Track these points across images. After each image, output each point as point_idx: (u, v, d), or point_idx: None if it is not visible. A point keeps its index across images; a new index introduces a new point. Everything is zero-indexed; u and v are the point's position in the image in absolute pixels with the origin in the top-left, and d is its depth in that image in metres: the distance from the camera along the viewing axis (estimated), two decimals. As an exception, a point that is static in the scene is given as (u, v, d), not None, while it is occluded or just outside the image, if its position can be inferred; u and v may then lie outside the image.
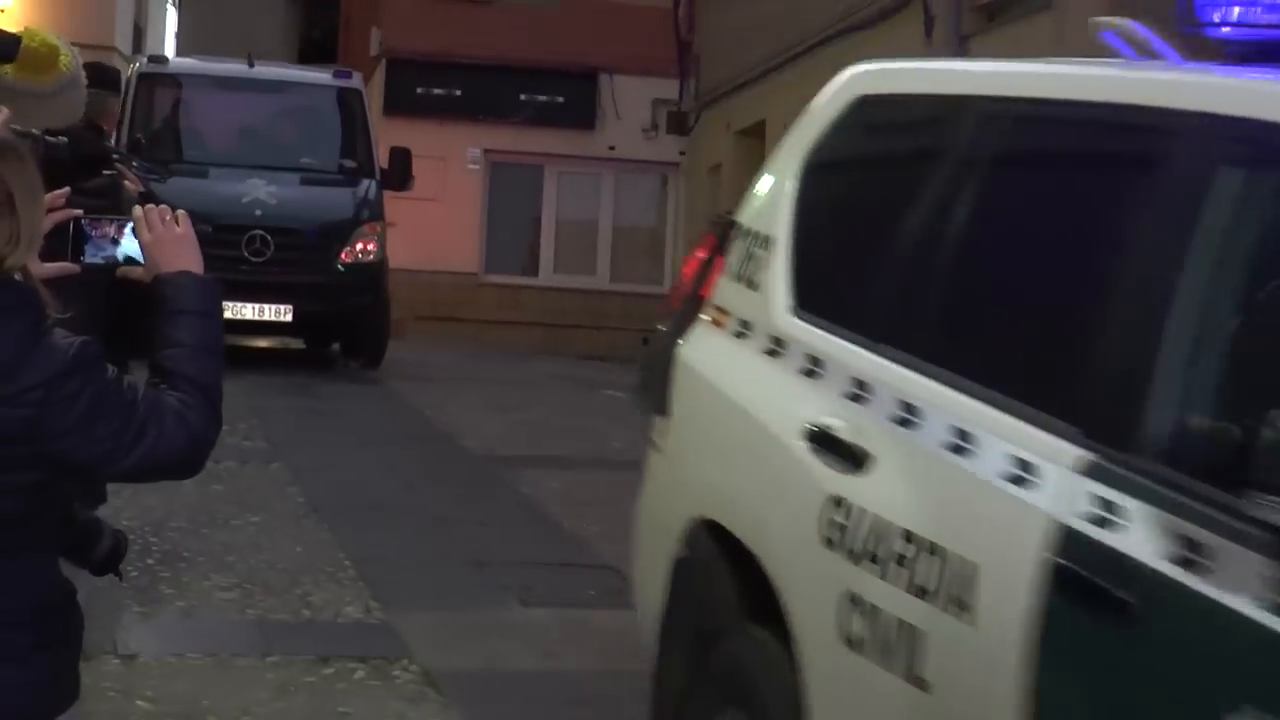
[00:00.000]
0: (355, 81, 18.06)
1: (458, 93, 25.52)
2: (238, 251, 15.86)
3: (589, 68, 26.03)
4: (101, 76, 8.25)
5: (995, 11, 18.49)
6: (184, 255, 3.03)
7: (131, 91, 16.53)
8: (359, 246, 16.87)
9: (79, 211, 3.13)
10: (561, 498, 10.37)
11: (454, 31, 24.96)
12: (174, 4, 38.72)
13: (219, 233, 14.12)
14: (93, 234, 3.11)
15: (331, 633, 7.28)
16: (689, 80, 26.77)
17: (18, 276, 2.83)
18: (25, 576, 2.91)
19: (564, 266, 26.81)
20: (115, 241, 3.11)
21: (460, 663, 6.79)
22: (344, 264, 16.73)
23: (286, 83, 18.24)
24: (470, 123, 25.41)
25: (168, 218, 3.05)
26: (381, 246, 17.15)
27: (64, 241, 3.09)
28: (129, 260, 3.10)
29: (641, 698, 4.81)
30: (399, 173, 17.56)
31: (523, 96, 25.32)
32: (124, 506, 8.90)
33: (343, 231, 16.86)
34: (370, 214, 17.17)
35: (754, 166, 28.05)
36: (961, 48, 18.49)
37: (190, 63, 18.86)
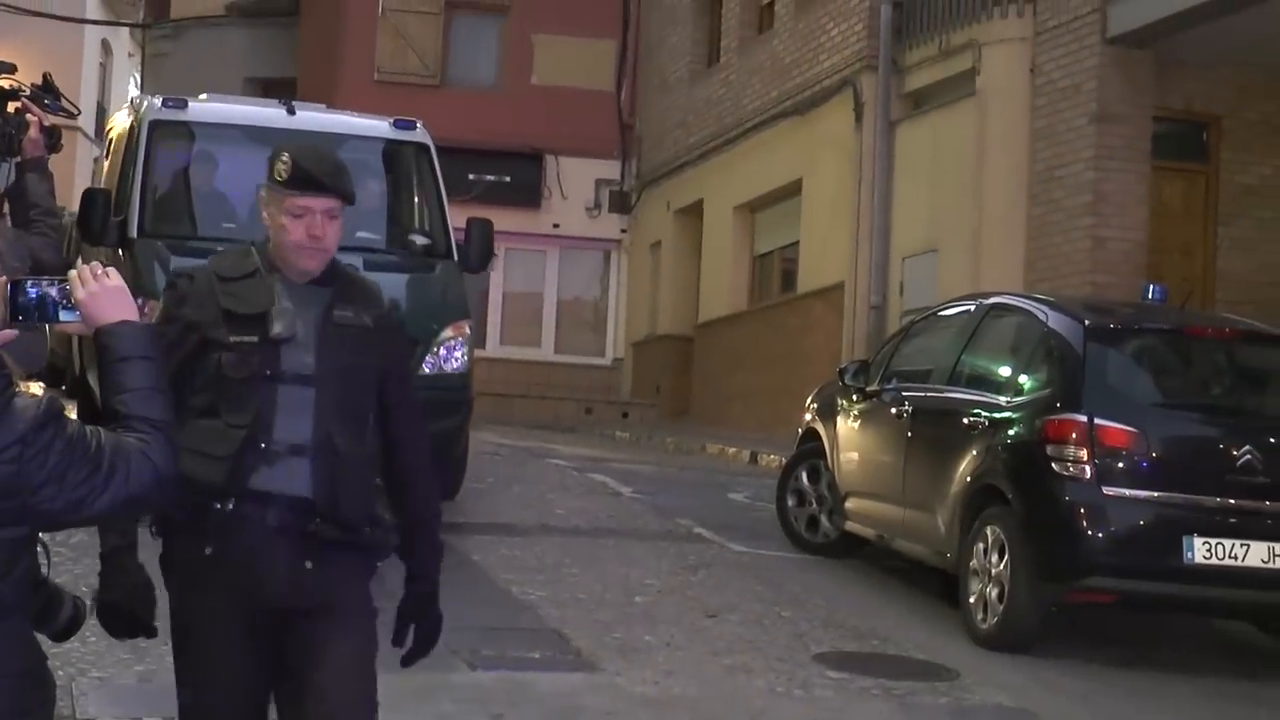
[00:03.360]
0: (421, 134, 12.88)
1: (408, 172, 25.44)
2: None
3: (535, 149, 26.14)
4: None
5: (921, 99, 18.70)
6: (120, 306, 3.12)
7: (141, 146, 11.96)
8: (444, 354, 11.74)
9: (6, 280, 3.15)
10: (508, 564, 10.32)
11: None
12: (136, 85, 38.60)
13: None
14: (30, 294, 3.11)
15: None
16: (630, 161, 26.95)
17: None
18: (12, 638, 2.95)
19: (510, 339, 26.82)
20: (50, 301, 3.12)
21: (409, 725, 6.73)
22: (425, 378, 11.20)
23: (337, 135, 12.57)
24: (421, 201, 25.37)
25: (99, 273, 3.13)
26: (470, 352, 11.94)
27: None
28: (66, 319, 3.13)
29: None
30: (479, 250, 12.40)
31: (471, 176, 25.29)
32: (84, 574, 8.80)
33: (423, 335, 11.40)
34: (456, 309, 11.83)
35: (693, 243, 28.30)
36: (890, 132, 18.66)
37: (215, 108, 12.94)
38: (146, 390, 3.05)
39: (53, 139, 6.57)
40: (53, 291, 3.11)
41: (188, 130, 12.36)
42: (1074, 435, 8.61)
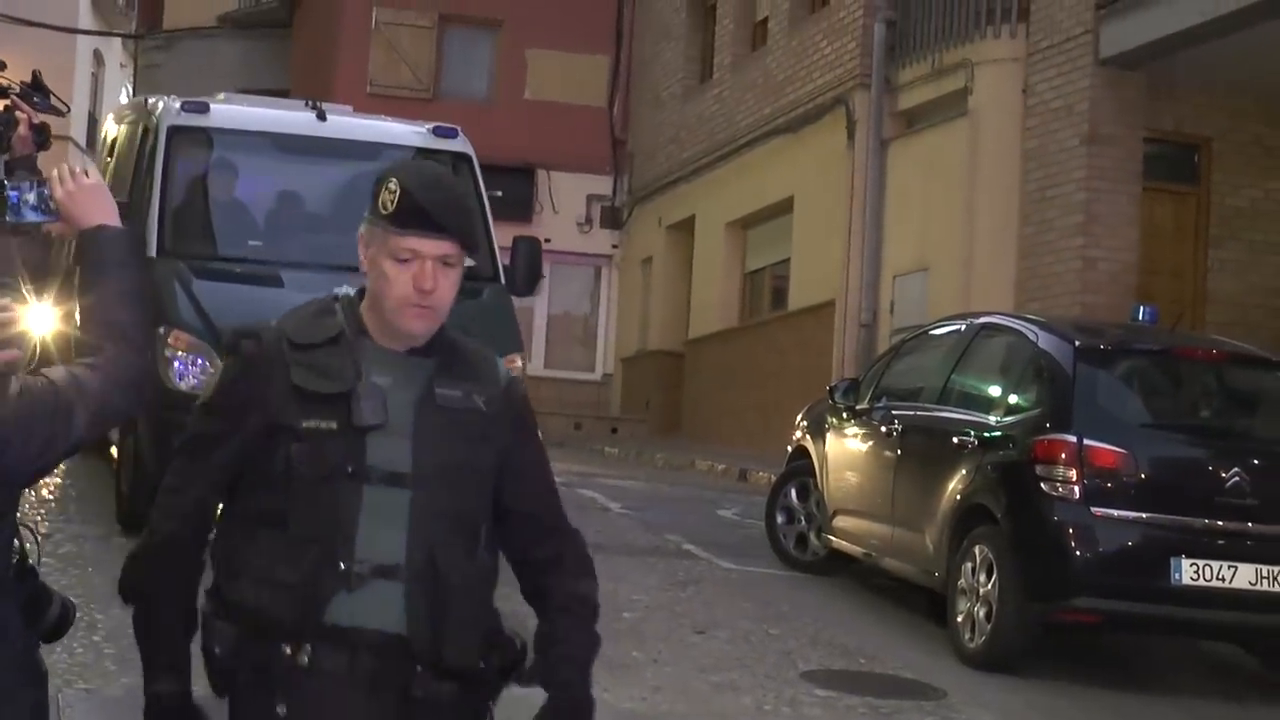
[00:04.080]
0: (462, 143, 11.68)
1: (400, 185, 25.45)
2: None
3: (527, 163, 26.14)
4: None
5: (914, 118, 18.73)
6: (100, 208, 3.10)
7: (159, 154, 10.82)
8: None
9: None
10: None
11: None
12: (129, 94, 38.57)
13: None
14: (11, 196, 3.15)
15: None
16: (622, 177, 26.97)
17: None
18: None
19: (500, 353, 26.83)
20: (28, 202, 3.15)
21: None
22: None
23: (372, 144, 11.60)
24: (412, 214, 25.38)
25: (77, 171, 3.13)
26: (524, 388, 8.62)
27: None
28: (34, 219, 3.16)
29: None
30: (526, 271, 11.58)
31: (462, 190, 25.27)
32: (71, 585, 8.79)
33: None
34: (509, 341, 10.51)
35: (684, 259, 28.32)
36: (882, 150, 18.69)
37: (239, 113, 11.71)
38: (124, 294, 3.02)
39: (41, 136, 6.56)
40: (30, 195, 3.14)
41: (209, 137, 11.19)
42: (1063, 455, 8.62)
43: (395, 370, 3.18)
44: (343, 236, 10.78)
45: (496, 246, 11.40)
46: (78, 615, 3.39)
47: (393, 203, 3.13)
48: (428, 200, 3.13)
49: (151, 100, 11.68)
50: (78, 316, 3.03)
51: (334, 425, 3.10)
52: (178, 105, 11.09)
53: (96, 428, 2.95)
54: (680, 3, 25.55)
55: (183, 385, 9.45)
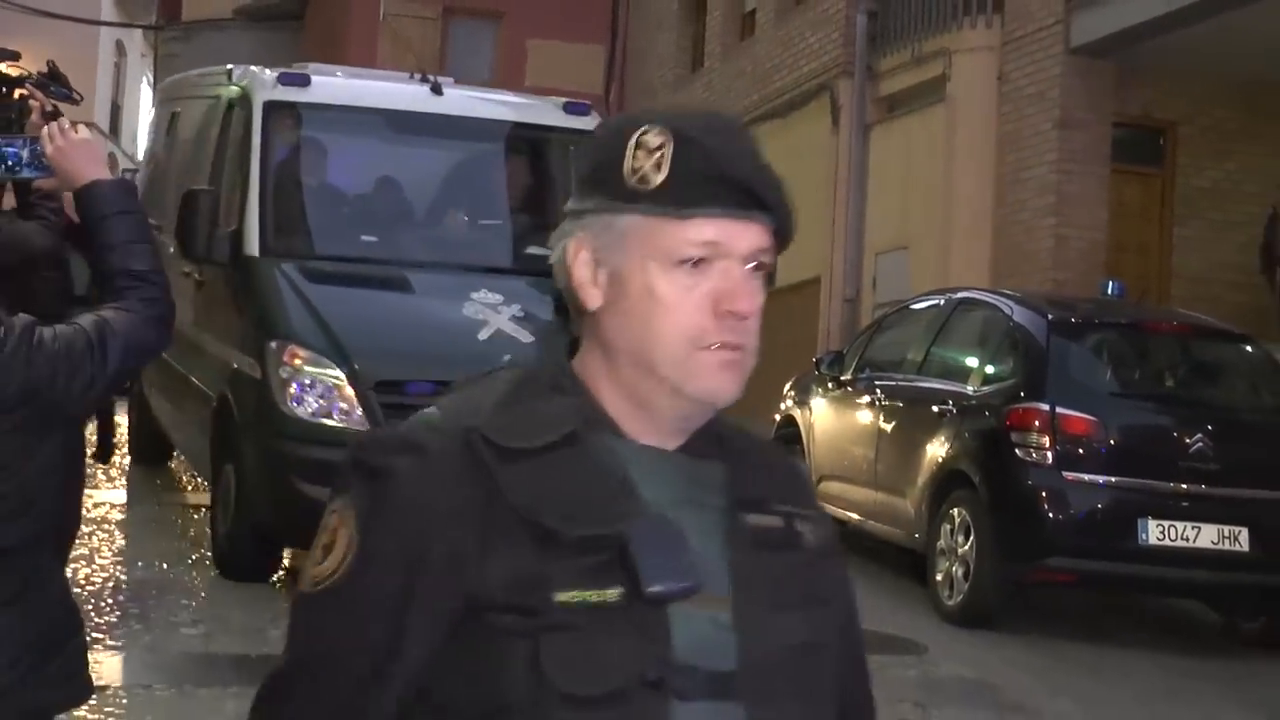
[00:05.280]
0: (594, 121, 9.33)
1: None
2: None
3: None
4: None
5: (894, 104, 18.69)
6: (91, 162, 3.07)
7: (256, 134, 8.75)
8: None
9: None
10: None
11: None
12: (149, 83, 38.54)
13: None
14: (6, 149, 3.13)
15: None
16: (618, 161, 26.90)
17: None
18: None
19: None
20: (21, 158, 3.14)
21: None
22: None
23: (498, 123, 9.45)
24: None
25: (66, 127, 3.09)
26: None
27: None
28: (28, 175, 3.15)
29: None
30: None
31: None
32: (99, 547, 8.80)
33: None
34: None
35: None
36: (865, 135, 18.66)
37: (344, 86, 9.48)
38: (130, 243, 3.00)
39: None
40: (24, 151, 3.12)
41: (312, 115, 9.08)
42: (1036, 423, 8.63)
43: (672, 484, 1.69)
44: (472, 231, 8.98)
45: None
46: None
47: (663, 165, 1.65)
48: (730, 156, 1.68)
49: (237, 71, 9.54)
50: (100, 264, 3.02)
51: (614, 595, 1.59)
52: (273, 76, 9.01)
53: (130, 361, 2.94)
54: (672, -5, 25.52)
55: (300, 411, 7.75)
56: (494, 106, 9.68)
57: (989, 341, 9.73)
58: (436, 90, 9.23)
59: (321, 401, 7.70)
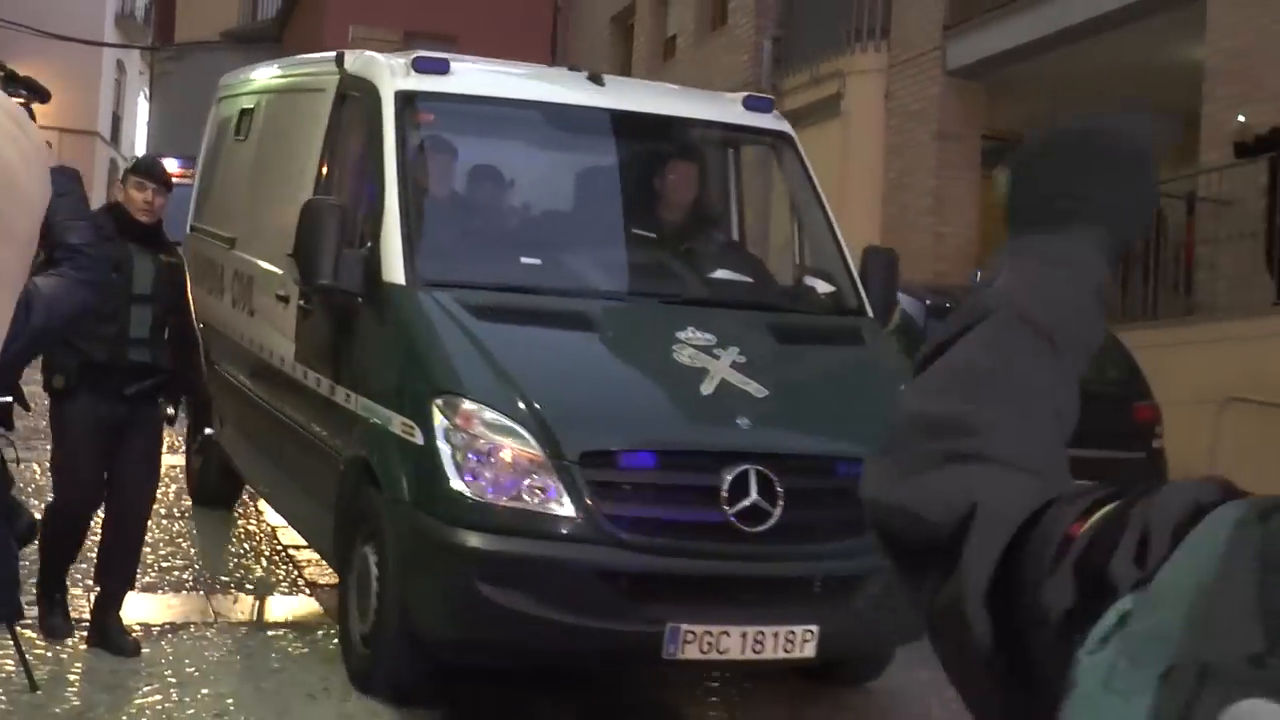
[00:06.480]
0: (779, 120, 7.31)
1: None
2: (711, 513, 5.16)
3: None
4: None
5: (796, 119, 18.74)
6: None
7: (388, 131, 6.11)
8: None
9: None
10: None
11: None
12: (146, 97, 38.02)
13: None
14: None
15: (266, 604, 7.15)
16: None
17: None
18: None
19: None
20: None
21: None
22: None
23: (678, 121, 6.89)
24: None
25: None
26: None
27: None
28: None
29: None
30: (882, 294, 7.08)
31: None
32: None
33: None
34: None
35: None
36: (770, 145, 18.72)
37: (492, 77, 6.90)
38: (65, 223, 3.18)
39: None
40: None
41: (458, 109, 6.49)
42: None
43: None
44: (657, 252, 6.20)
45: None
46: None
47: None
48: None
49: (350, 56, 7.11)
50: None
51: None
52: (405, 62, 6.50)
53: (55, 322, 3.06)
54: (603, 22, 25.41)
55: (469, 491, 5.08)
56: (667, 99, 7.13)
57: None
58: (596, 80, 6.69)
59: (507, 477, 5.08)
